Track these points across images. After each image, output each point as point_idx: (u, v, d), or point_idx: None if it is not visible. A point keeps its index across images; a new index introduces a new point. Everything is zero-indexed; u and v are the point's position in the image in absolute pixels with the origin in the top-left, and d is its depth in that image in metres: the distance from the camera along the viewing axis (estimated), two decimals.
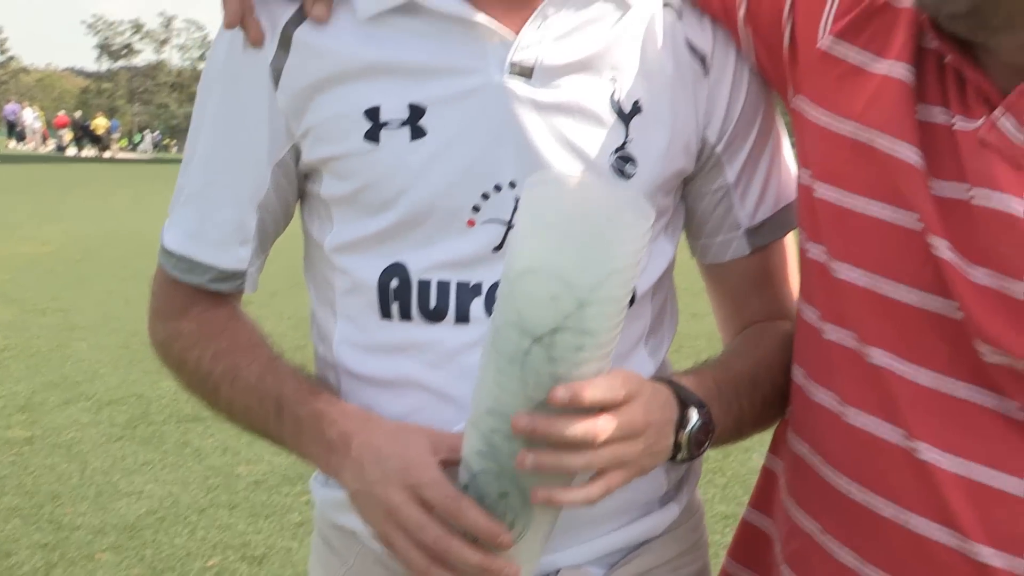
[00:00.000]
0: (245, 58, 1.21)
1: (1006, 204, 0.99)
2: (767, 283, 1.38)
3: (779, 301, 1.37)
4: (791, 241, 1.37)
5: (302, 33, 1.19)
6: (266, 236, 1.29)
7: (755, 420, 1.29)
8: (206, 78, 1.27)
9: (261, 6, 1.20)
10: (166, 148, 61.94)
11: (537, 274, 0.97)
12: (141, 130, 65.73)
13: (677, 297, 1.37)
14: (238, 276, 1.29)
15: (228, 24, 1.18)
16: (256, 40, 1.19)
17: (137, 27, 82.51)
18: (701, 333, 5.85)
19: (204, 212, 1.27)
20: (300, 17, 1.20)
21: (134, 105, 79.47)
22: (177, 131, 68.59)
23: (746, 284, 1.38)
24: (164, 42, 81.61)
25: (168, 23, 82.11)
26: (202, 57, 77.48)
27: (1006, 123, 1.00)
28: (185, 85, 76.51)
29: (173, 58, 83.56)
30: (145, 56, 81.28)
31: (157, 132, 66.27)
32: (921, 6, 1.05)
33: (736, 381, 1.26)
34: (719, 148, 1.29)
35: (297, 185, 1.27)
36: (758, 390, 1.27)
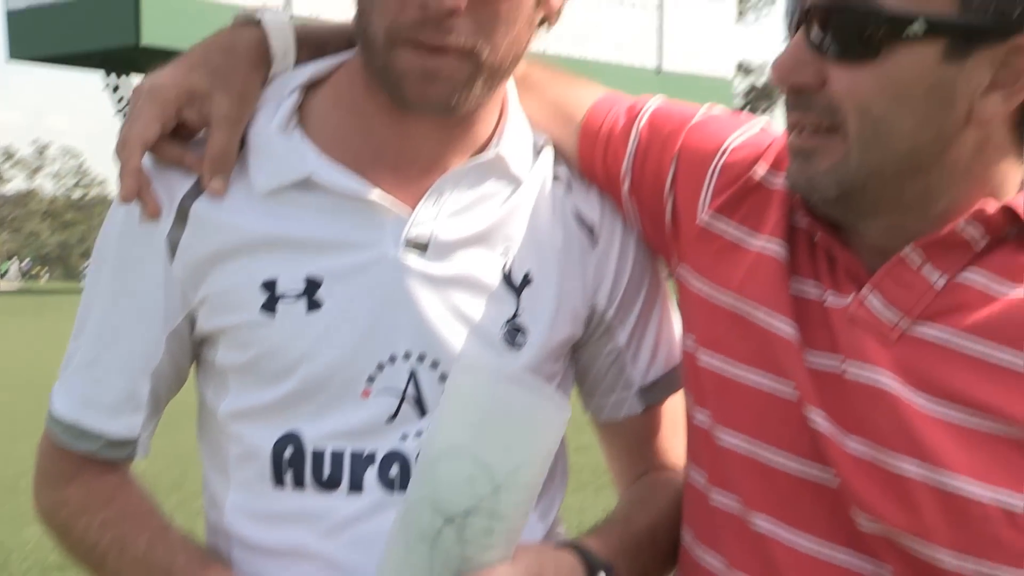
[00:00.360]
0: (141, 230, 1.22)
1: (876, 378, 1.06)
2: (660, 438, 1.43)
3: (672, 453, 1.42)
4: (681, 396, 1.43)
5: (200, 206, 1.21)
6: (159, 402, 1.29)
7: (658, 574, 1.33)
8: (100, 248, 1.28)
9: (158, 179, 1.22)
10: (35, 277, 60.17)
11: (457, 455, 1.01)
12: (9, 257, 63.80)
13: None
14: (129, 444, 1.28)
15: (124, 198, 1.19)
16: (153, 214, 1.20)
17: (8, 155, 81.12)
18: (586, 465, 5.86)
19: (96, 380, 1.26)
20: (197, 190, 1.22)
21: (2, 233, 77.42)
22: (48, 259, 66.86)
23: (640, 440, 1.43)
24: (37, 170, 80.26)
25: (42, 151, 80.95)
26: (78, 184, 76.22)
27: (873, 300, 1.08)
28: (58, 213, 75.08)
29: (46, 186, 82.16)
30: (16, 184, 79.79)
31: (26, 260, 64.45)
32: (794, 189, 1.13)
33: (638, 537, 1.29)
34: (609, 314, 1.34)
35: (191, 352, 1.28)
36: (658, 545, 1.31)
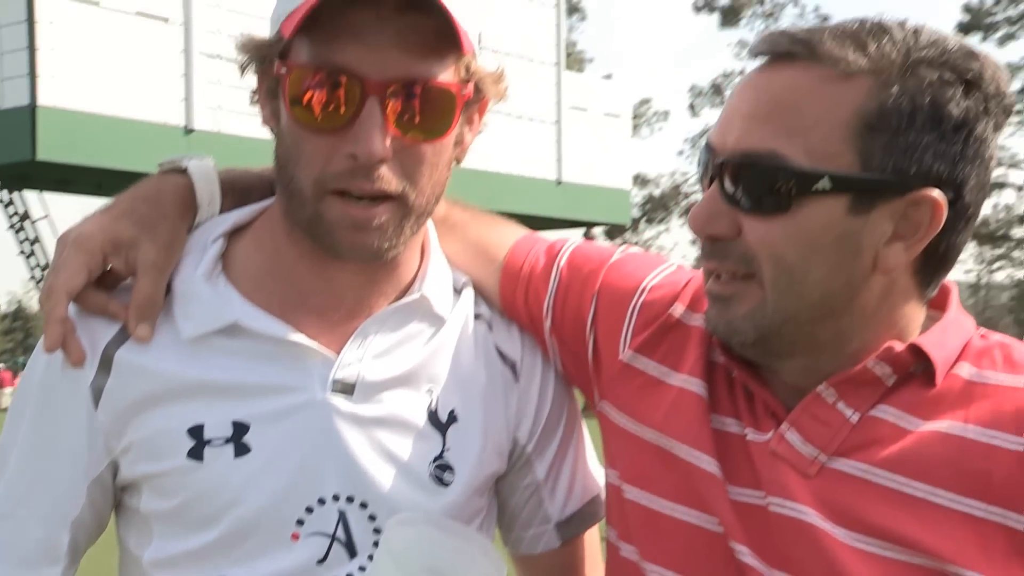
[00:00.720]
0: (63, 378, 1.21)
1: (799, 512, 1.09)
2: (578, 571, 1.45)
3: None
4: (596, 529, 1.45)
5: (124, 353, 1.21)
6: (78, 552, 1.26)
7: None
8: (20, 396, 1.25)
9: (81, 326, 1.21)
10: None
11: None
12: None
13: None
14: None
15: (49, 348, 1.18)
16: (77, 362, 1.19)
17: None
18: None
19: (13, 532, 1.22)
20: (122, 337, 1.21)
21: None
22: None
23: (558, 573, 1.45)
24: None
25: None
26: None
27: (792, 436, 1.12)
28: None
29: None
30: None
31: None
32: (714, 332, 1.18)
33: None
34: (529, 447, 1.37)
35: (113, 499, 1.25)
36: None
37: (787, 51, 1.07)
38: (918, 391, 1.10)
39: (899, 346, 1.09)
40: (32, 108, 14.98)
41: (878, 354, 1.10)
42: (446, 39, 1.13)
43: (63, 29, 15.16)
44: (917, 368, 1.10)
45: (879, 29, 1.06)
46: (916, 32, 1.06)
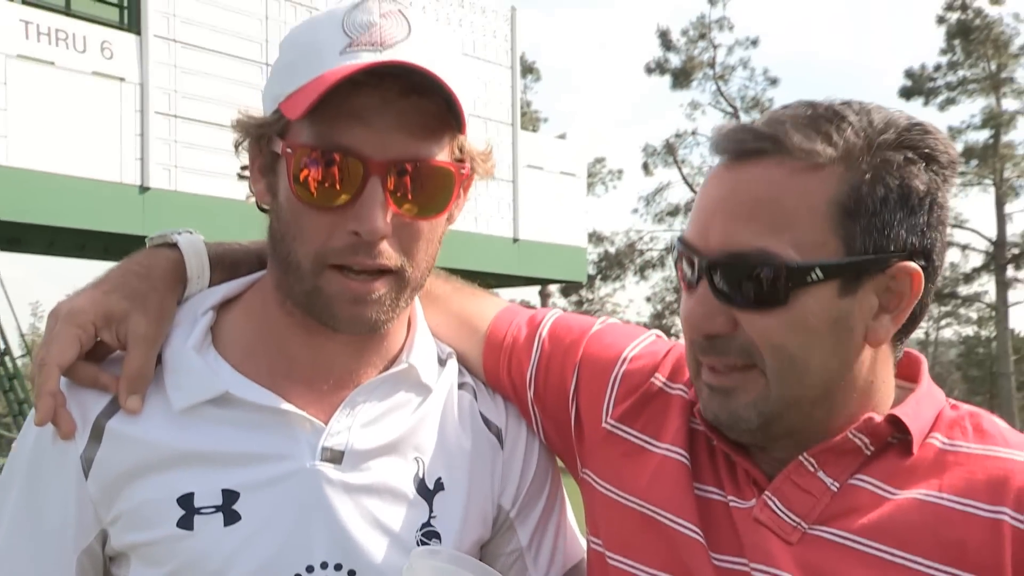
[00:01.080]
0: (54, 449, 1.22)
1: None
2: None
3: None
4: None
5: (115, 423, 1.22)
6: None
7: None
8: (10, 468, 1.26)
9: (72, 398, 1.23)
10: None
11: None
12: None
13: None
14: None
15: (40, 421, 1.19)
16: (68, 434, 1.21)
17: None
18: None
19: None
20: (113, 408, 1.23)
21: None
22: None
23: None
24: None
25: None
26: None
27: (774, 504, 1.16)
28: None
29: None
30: None
31: None
32: (715, 423, 1.19)
33: None
34: (513, 513, 1.39)
35: (102, 569, 1.26)
36: None
37: (756, 148, 1.11)
38: (895, 460, 1.14)
39: (878, 417, 1.14)
40: None
41: (857, 425, 1.14)
42: (444, 120, 1.18)
43: (16, 89, 15.10)
44: (894, 438, 1.15)
45: (835, 115, 1.12)
46: (868, 114, 1.13)
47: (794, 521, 1.14)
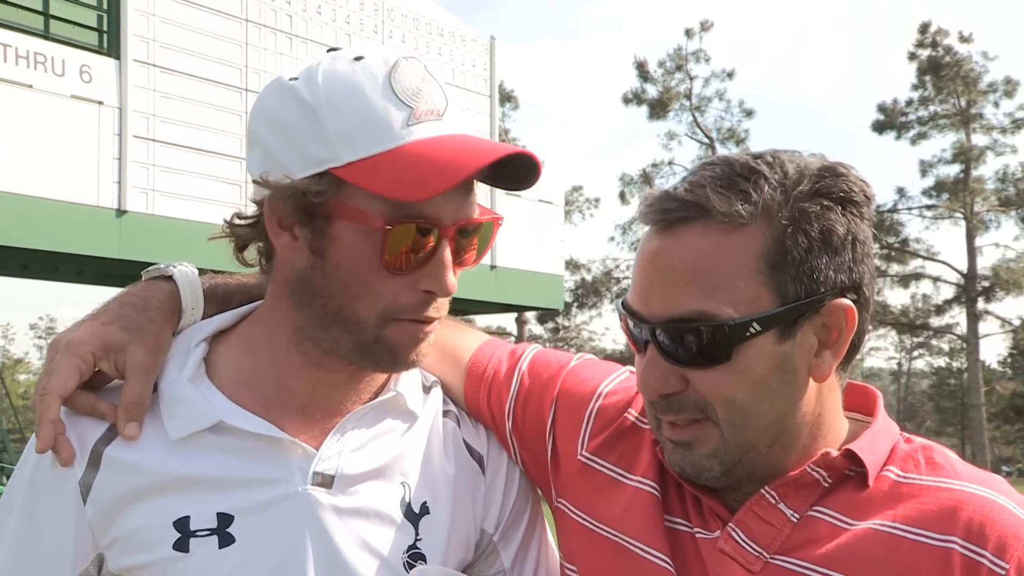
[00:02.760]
0: (53, 476, 1.27)
1: None
2: None
3: None
4: None
5: (113, 450, 1.27)
6: None
7: None
8: (10, 493, 1.31)
9: (70, 426, 1.27)
10: None
11: None
12: None
13: None
14: None
15: (41, 449, 1.24)
16: (67, 461, 1.25)
17: None
18: None
19: None
20: (111, 435, 1.28)
21: None
22: None
23: None
24: None
25: None
26: None
27: (737, 535, 1.22)
28: None
29: None
30: None
31: None
32: (681, 475, 1.25)
33: None
34: (496, 537, 1.45)
35: None
36: None
37: (681, 216, 1.18)
38: (852, 492, 1.21)
39: (834, 452, 1.21)
40: None
41: (815, 460, 1.21)
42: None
43: None
44: (851, 471, 1.22)
45: (751, 172, 1.18)
46: (783, 165, 1.19)
47: (756, 551, 1.20)
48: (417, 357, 1.29)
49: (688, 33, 39.04)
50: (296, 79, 1.24)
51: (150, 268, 1.42)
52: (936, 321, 42.22)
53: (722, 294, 1.15)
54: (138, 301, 1.36)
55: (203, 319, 1.40)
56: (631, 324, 1.22)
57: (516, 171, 1.25)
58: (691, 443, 1.21)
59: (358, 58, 1.24)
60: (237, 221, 1.32)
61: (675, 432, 1.22)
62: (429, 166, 1.17)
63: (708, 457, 1.21)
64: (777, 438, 1.21)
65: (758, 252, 1.15)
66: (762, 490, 1.22)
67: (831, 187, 1.18)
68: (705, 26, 38.89)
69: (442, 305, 1.28)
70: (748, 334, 1.15)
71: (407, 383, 1.40)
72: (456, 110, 1.27)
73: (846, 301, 1.18)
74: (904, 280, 39.39)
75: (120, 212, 16.51)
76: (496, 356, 1.50)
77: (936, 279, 39.56)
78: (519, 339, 38.90)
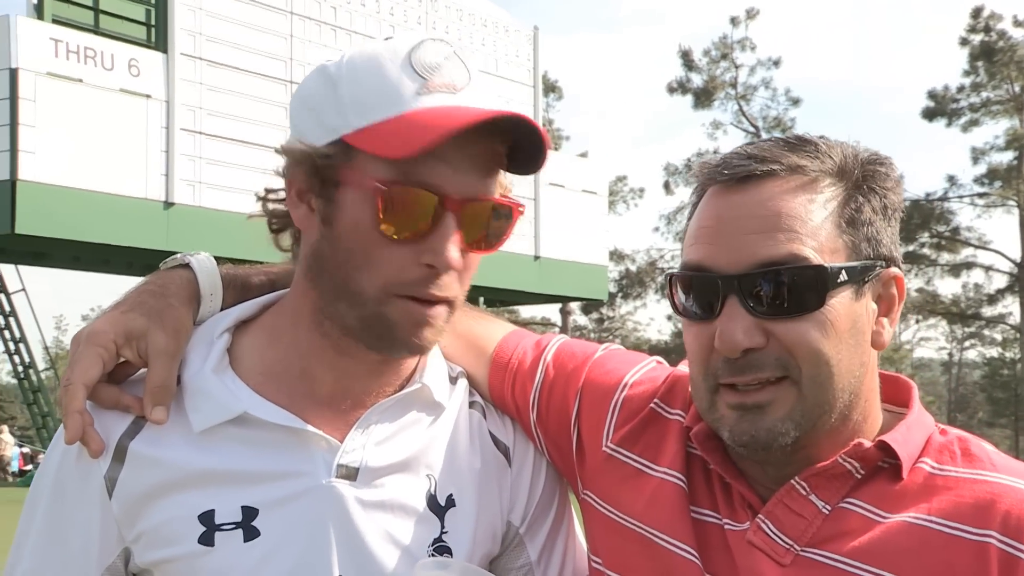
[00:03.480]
0: (78, 470, 1.27)
1: None
2: None
3: None
4: None
5: (137, 445, 1.27)
6: None
7: None
8: (36, 489, 1.31)
9: (95, 419, 1.27)
10: None
11: None
12: None
13: None
14: None
15: (70, 440, 1.24)
16: (96, 452, 1.25)
17: None
18: None
19: None
20: (135, 429, 1.28)
21: None
22: None
23: None
24: None
25: None
26: None
27: (767, 526, 1.20)
28: None
29: None
30: None
31: None
32: (750, 445, 1.18)
33: None
34: (522, 529, 1.44)
35: None
36: None
37: (758, 170, 1.17)
38: (885, 484, 1.18)
39: (867, 443, 1.18)
40: (12, 183, 15.04)
41: (847, 451, 1.18)
42: (501, 160, 1.25)
43: (45, 106, 15.32)
44: (884, 462, 1.19)
45: (809, 141, 1.21)
46: (834, 142, 1.21)
47: (787, 543, 1.18)
48: (421, 341, 1.26)
49: (734, 21, 38.69)
50: (331, 61, 1.27)
51: (167, 259, 1.42)
52: (988, 311, 41.56)
53: (810, 240, 1.15)
54: (156, 288, 1.36)
55: (223, 308, 1.39)
56: (698, 286, 1.19)
57: (527, 149, 1.24)
58: (765, 405, 1.16)
59: (388, 39, 1.26)
60: (268, 196, 1.33)
61: (748, 396, 1.17)
62: (419, 126, 1.17)
63: (783, 420, 1.16)
64: (846, 404, 1.18)
65: (837, 205, 1.17)
66: (792, 480, 1.19)
67: (883, 159, 1.22)
68: (751, 14, 38.53)
69: (447, 285, 1.24)
70: (840, 280, 1.15)
71: (433, 375, 1.39)
72: (480, 90, 1.25)
73: (899, 271, 1.21)
74: (955, 269, 38.82)
75: (168, 204, 16.73)
76: (521, 347, 1.48)
77: (988, 268, 38.93)
78: (563, 329, 38.88)
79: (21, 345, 20.15)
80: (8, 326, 19.73)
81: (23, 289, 19.85)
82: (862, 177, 1.19)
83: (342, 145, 1.21)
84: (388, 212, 1.19)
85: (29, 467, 23.99)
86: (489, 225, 1.26)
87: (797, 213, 1.15)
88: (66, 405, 1.24)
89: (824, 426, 1.18)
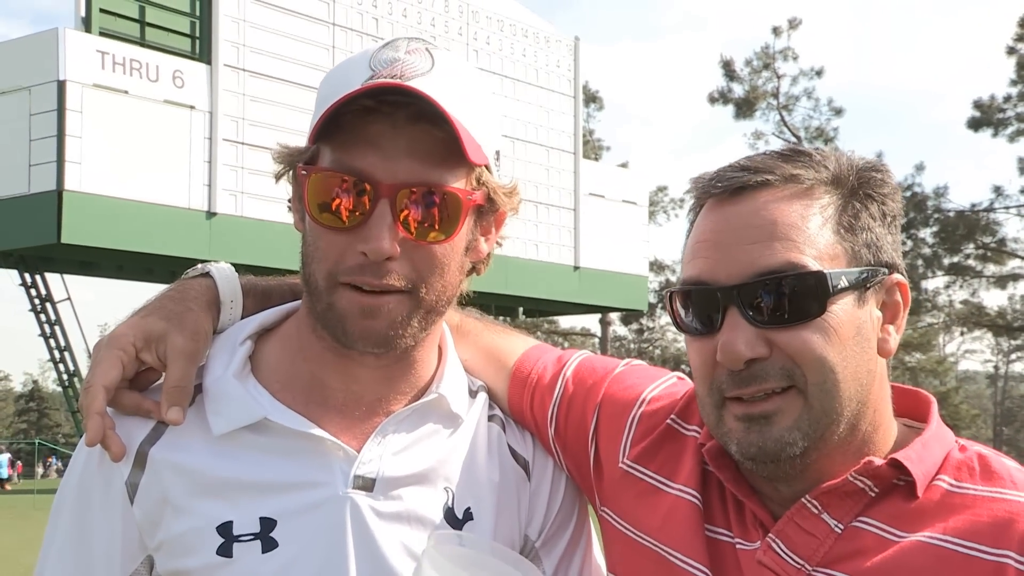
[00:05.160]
0: (100, 476, 1.28)
1: None
2: None
3: None
4: None
5: (158, 450, 1.28)
6: None
7: None
8: (61, 495, 1.32)
9: (117, 425, 1.27)
10: None
11: None
12: None
13: None
14: None
15: (90, 442, 1.24)
16: (118, 455, 1.25)
17: None
18: None
19: None
20: (156, 435, 1.28)
21: None
22: None
23: None
24: None
25: None
26: None
27: (778, 546, 1.17)
28: None
29: None
30: None
31: None
32: (758, 457, 1.16)
33: None
34: (538, 544, 1.43)
35: None
36: None
37: (752, 181, 1.16)
38: (900, 503, 1.15)
39: (878, 461, 1.16)
40: (59, 193, 15.31)
41: (858, 468, 1.15)
42: (457, 151, 1.22)
43: (91, 117, 15.58)
44: (900, 480, 1.16)
45: (803, 152, 1.20)
46: (824, 150, 1.21)
47: (797, 563, 1.15)
48: (372, 333, 1.24)
49: (776, 31, 38.45)
50: None
51: (189, 269, 1.43)
52: None
53: (808, 247, 1.14)
54: (176, 294, 1.38)
55: (245, 316, 1.40)
56: (698, 300, 1.17)
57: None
58: (772, 415, 1.14)
59: (380, 41, 1.30)
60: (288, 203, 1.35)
61: (754, 407, 1.15)
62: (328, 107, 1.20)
63: (791, 430, 1.14)
64: (854, 413, 1.16)
65: (833, 212, 1.17)
66: (804, 499, 1.17)
67: (879, 166, 1.21)
68: (793, 24, 38.26)
69: (389, 273, 1.22)
70: (840, 286, 1.13)
71: (450, 385, 1.38)
72: (440, 80, 1.23)
73: (901, 278, 1.20)
74: (1001, 281, 38.23)
75: (210, 214, 16.94)
76: (542, 361, 1.47)
77: None
78: (603, 340, 38.81)
79: (66, 353, 20.47)
80: (54, 334, 20.04)
81: (68, 298, 20.15)
82: (858, 184, 1.18)
83: (309, 144, 1.25)
84: (315, 197, 1.22)
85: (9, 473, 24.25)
86: (432, 214, 1.23)
87: (793, 221, 1.14)
88: (87, 408, 1.25)
89: (832, 436, 1.15)
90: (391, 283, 1.23)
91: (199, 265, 1.42)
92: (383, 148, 1.20)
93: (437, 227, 1.24)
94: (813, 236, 1.13)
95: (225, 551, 1.24)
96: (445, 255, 1.26)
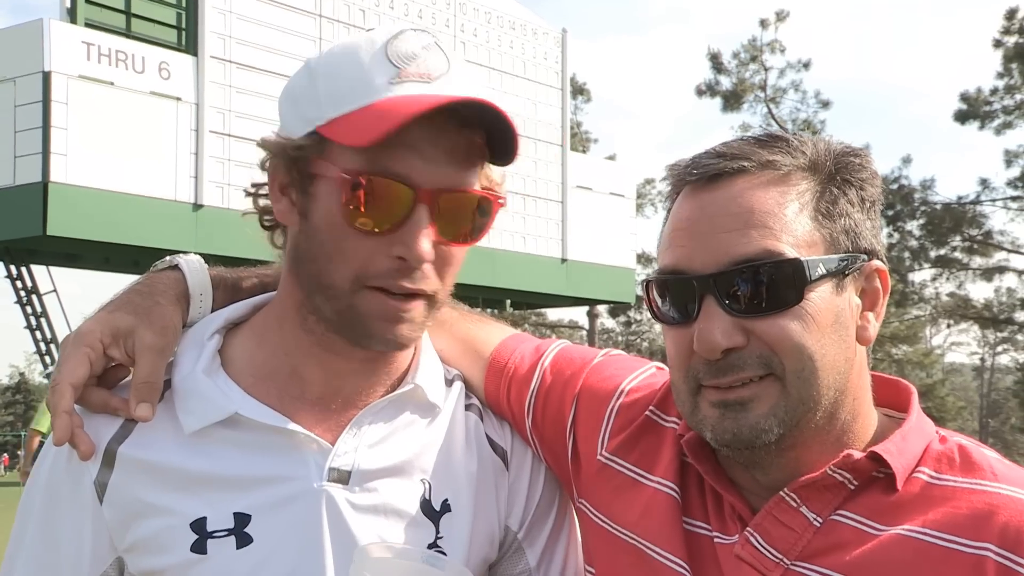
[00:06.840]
0: (68, 475, 1.26)
1: None
2: None
3: None
4: None
5: (127, 448, 1.26)
6: None
7: None
8: (28, 496, 1.30)
9: (85, 423, 1.25)
10: None
11: None
12: None
13: None
14: None
15: (59, 441, 1.22)
16: (86, 454, 1.23)
17: None
18: None
19: None
20: (124, 433, 1.26)
21: None
22: None
23: None
24: None
25: None
26: None
27: (756, 540, 1.16)
28: None
29: None
30: None
31: None
32: (733, 443, 1.15)
33: None
34: (520, 535, 1.42)
35: None
36: None
37: (728, 168, 1.15)
38: (879, 496, 1.14)
39: (857, 454, 1.14)
40: (44, 185, 15.17)
41: (837, 462, 1.14)
42: (482, 152, 1.23)
43: (76, 109, 15.45)
44: (879, 472, 1.15)
45: (781, 137, 1.19)
46: (801, 135, 1.20)
47: (776, 557, 1.14)
48: (396, 336, 1.23)
49: (763, 24, 38.42)
50: (317, 55, 1.27)
51: (157, 262, 1.41)
52: (1021, 315, 41.03)
53: (785, 235, 1.12)
54: (144, 288, 1.36)
55: (215, 309, 1.38)
56: (674, 289, 1.16)
57: (500, 138, 1.22)
58: (747, 402, 1.13)
59: (370, 30, 1.26)
60: (253, 191, 1.32)
61: (731, 394, 1.14)
62: (384, 113, 1.16)
63: (766, 417, 1.13)
64: (832, 401, 1.15)
65: (811, 198, 1.15)
66: (782, 492, 1.16)
67: (857, 151, 1.20)
68: (781, 16, 38.24)
69: (420, 278, 1.21)
70: (818, 274, 1.12)
71: (427, 375, 1.36)
72: (459, 80, 1.22)
73: (881, 264, 1.18)
74: (987, 273, 38.34)
75: (197, 206, 16.82)
76: (519, 351, 1.46)
77: (1021, 272, 38.43)
78: (591, 332, 38.78)
79: (52, 346, 20.31)
80: (40, 327, 19.89)
81: (54, 290, 19.99)
82: (835, 169, 1.17)
83: (317, 136, 1.21)
84: (355, 202, 1.18)
85: None
86: (467, 218, 1.23)
87: (770, 208, 1.13)
88: (54, 405, 1.23)
89: (810, 424, 1.14)
90: (422, 287, 1.22)
91: (167, 257, 1.40)
92: (424, 152, 1.19)
93: (469, 231, 1.24)
94: (790, 223, 1.12)
95: (199, 548, 1.22)
96: (462, 255, 1.27)
